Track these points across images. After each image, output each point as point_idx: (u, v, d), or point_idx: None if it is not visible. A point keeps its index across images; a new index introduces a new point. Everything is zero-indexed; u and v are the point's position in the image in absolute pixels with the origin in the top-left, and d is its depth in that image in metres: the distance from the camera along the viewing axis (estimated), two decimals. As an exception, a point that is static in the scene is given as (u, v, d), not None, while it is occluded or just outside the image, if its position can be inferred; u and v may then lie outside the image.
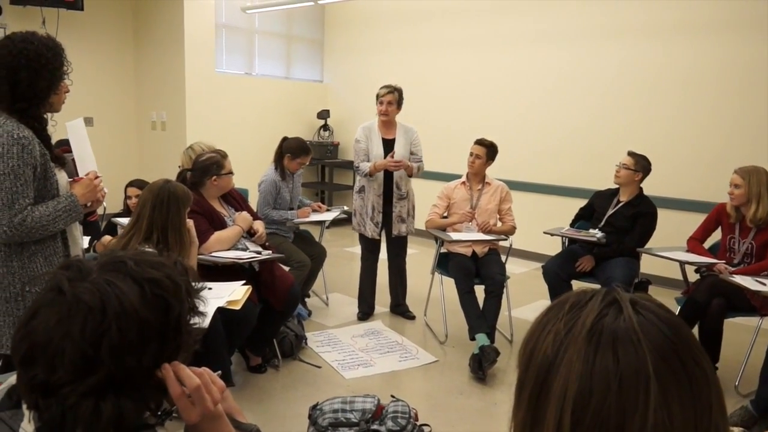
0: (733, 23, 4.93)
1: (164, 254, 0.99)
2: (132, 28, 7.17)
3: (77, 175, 2.20)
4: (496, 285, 3.80)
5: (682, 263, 3.67)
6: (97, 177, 2.15)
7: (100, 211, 4.52)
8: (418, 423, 2.77)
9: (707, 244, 3.79)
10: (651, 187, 4.07)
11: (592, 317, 0.63)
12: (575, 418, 0.60)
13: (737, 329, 3.66)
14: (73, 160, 2.28)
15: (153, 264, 0.89)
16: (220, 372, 1.01)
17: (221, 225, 3.23)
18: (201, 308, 0.97)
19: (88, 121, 6.78)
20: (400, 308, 4.45)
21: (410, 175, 4.23)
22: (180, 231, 2.62)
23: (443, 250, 4.16)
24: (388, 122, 4.19)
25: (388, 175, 4.19)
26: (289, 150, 4.23)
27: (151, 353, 0.86)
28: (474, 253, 4.04)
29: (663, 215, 4.01)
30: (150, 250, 2.48)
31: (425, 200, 4.51)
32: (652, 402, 0.58)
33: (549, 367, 0.64)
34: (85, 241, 2.98)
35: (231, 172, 3.32)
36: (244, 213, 3.38)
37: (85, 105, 6.51)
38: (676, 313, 3.38)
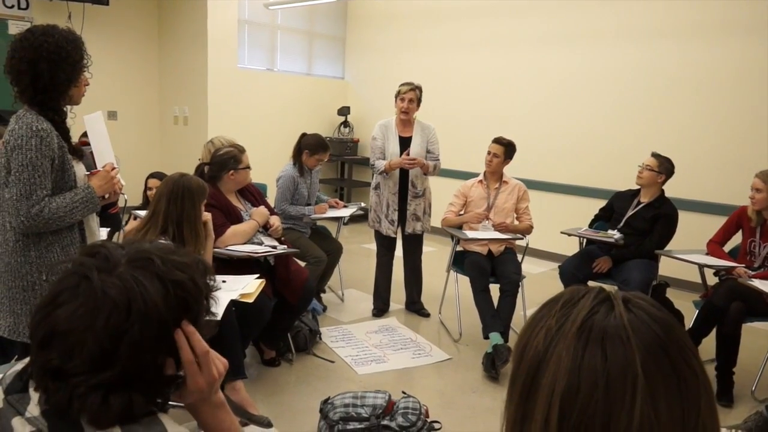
0: (751, 24, 4.83)
1: (182, 249, 1.01)
2: (156, 23, 7.26)
3: (95, 167, 2.24)
4: (512, 284, 3.79)
5: (701, 266, 3.62)
6: (113, 169, 2.18)
7: (121, 203, 4.60)
8: (429, 420, 2.78)
9: (727, 248, 3.73)
10: (671, 188, 4.02)
11: (583, 314, 0.63)
12: (562, 414, 0.61)
13: (756, 334, 3.61)
14: (92, 152, 2.32)
15: (179, 265, 0.90)
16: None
17: (237, 219, 3.26)
18: (213, 308, 0.99)
19: (112, 115, 6.91)
20: (414, 305, 4.46)
21: (426, 174, 4.22)
22: (195, 225, 2.65)
23: (459, 248, 4.15)
24: (406, 120, 4.19)
25: (404, 173, 4.19)
26: (307, 146, 4.25)
27: (165, 351, 0.88)
28: (490, 251, 4.02)
29: (682, 217, 3.96)
30: (166, 242, 2.52)
31: (442, 198, 4.50)
32: (638, 399, 0.58)
33: (539, 363, 0.64)
34: (104, 232, 3.04)
35: (248, 167, 3.36)
36: (261, 208, 3.41)
37: (109, 99, 6.64)
38: (694, 316, 3.35)
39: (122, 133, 6.73)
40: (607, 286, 0.68)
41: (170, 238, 2.58)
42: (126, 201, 4.65)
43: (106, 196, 2.21)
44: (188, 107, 7.07)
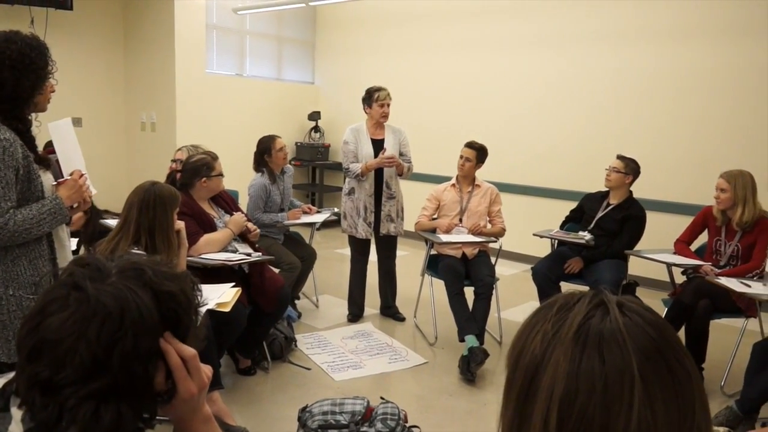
0: (723, 30, 4.98)
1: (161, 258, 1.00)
2: (122, 28, 7.13)
3: (62, 176, 2.17)
4: (486, 287, 3.82)
5: (669, 265, 3.71)
6: (82, 176, 2.12)
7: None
8: (408, 425, 2.77)
9: (694, 247, 3.83)
10: (640, 190, 4.11)
11: (579, 318, 0.64)
12: (561, 417, 0.61)
13: (723, 330, 3.70)
14: (57, 161, 2.24)
15: (169, 276, 0.89)
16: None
17: (211, 227, 3.22)
18: (200, 322, 0.97)
19: (77, 122, 6.74)
20: (389, 310, 4.46)
21: (400, 175, 4.24)
22: (168, 234, 2.61)
23: (433, 251, 4.17)
24: (378, 123, 4.21)
25: (379, 175, 4.19)
26: (263, 151, 4.28)
27: (155, 363, 0.86)
28: (464, 254, 4.05)
29: (651, 218, 4.05)
30: (140, 252, 2.47)
31: (414, 202, 4.52)
32: (636, 402, 0.59)
33: (536, 367, 0.65)
34: (73, 243, 2.96)
35: (221, 174, 3.32)
36: (237, 216, 3.36)
37: (73, 106, 6.47)
38: (663, 314, 3.43)
39: (88, 141, 6.49)
40: (580, 287, 0.69)
41: (142, 247, 2.53)
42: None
43: (75, 205, 2.14)
44: (156, 113, 6.95)
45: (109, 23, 7.00)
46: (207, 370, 0.96)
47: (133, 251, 2.45)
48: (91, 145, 6.64)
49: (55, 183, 2.11)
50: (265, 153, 4.26)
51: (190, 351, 0.91)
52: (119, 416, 0.81)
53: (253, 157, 4.37)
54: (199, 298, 0.95)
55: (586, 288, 3.92)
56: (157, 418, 0.95)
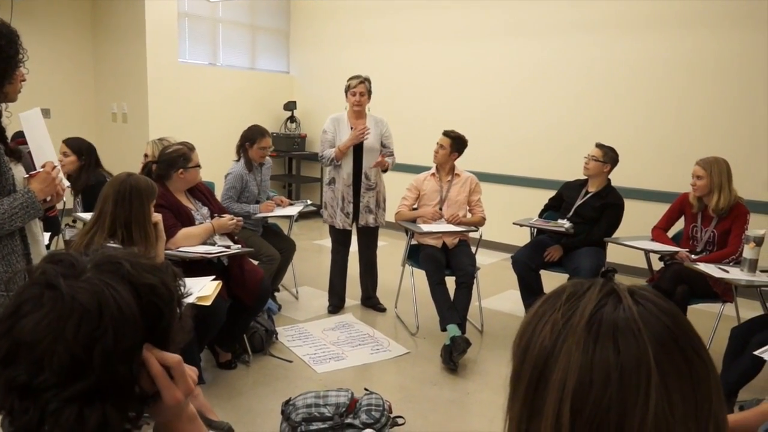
0: (700, 20, 5.03)
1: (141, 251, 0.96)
2: (90, 15, 6.93)
3: (35, 168, 2.09)
4: (467, 276, 3.82)
5: (646, 252, 3.75)
6: (54, 168, 2.04)
7: (59, 206, 4.37)
8: (392, 415, 2.77)
9: (671, 233, 3.87)
10: (617, 178, 4.14)
11: (590, 307, 0.62)
12: (574, 410, 0.59)
13: (700, 315, 3.76)
14: (29, 153, 2.16)
15: (148, 268, 0.85)
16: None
17: (188, 219, 3.15)
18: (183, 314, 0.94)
19: (45, 113, 6.53)
20: (370, 301, 4.44)
21: (385, 171, 4.22)
22: (145, 226, 2.54)
23: (414, 242, 4.16)
24: (359, 112, 4.17)
25: (357, 166, 4.16)
26: (246, 139, 4.20)
27: (139, 361, 0.82)
28: (444, 244, 4.04)
29: (629, 205, 4.09)
30: (116, 246, 2.40)
31: (395, 192, 4.49)
32: (653, 393, 0.57)
33: (547, 358, 0.62)
34: (46, 237, 2.87)
35: (198, 165, 3.25)
36: (224, 220, 3.28)
37: (41, 96, 6.28)
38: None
39: (57, 132, 6.32)
40: (561, 276, 0.67)
41: (119, 241, 2.46)
42: (65, 204, 4.43)
43: (48, 198, 2.07)
44: (127, 104, 6.80)
45: (77, 10, 6.81)
46: (192, 372, 0.93)
47: (109, 245, 2.38)
48: (60, 136, 6.42)
49: (27, 176, 2.03)
50: (248, 141, 4.19)
51: (174, 358, 0.87)
52: (105, 418, 0.77)
53: (231, 146, 4.29)
54: (181, 289, 0.91)
55: (565, 276, 3.95)
56: (144, 416, 0.92)
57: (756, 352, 2.25)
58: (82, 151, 4.08)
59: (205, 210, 3.32)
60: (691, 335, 0.62)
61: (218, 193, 4.29)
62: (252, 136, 4.19)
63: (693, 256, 3.53)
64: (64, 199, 3.98)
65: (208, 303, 2.42)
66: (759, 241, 3.15)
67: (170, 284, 0.87)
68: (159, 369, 0.85)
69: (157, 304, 0.83)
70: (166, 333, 0.86)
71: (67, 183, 2.11)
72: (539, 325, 0.65)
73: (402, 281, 4.27)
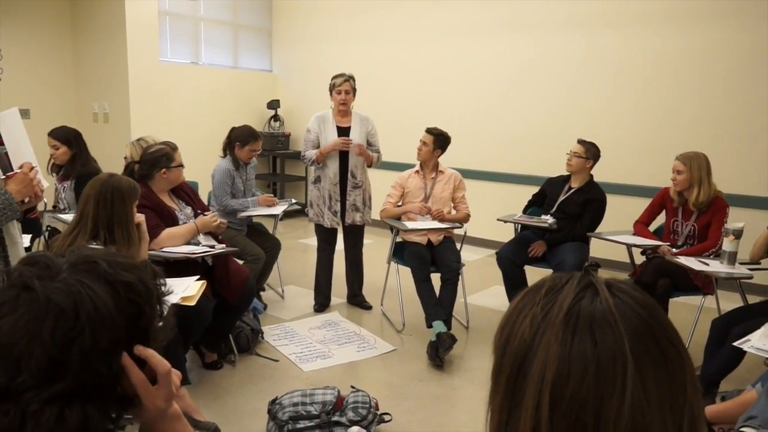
0: (681, 16, 5.08)
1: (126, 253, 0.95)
2: (70, 14, 6.85)
3: (12, 169, 2.06)
4: (452, 272, 3.83)
5: (628, 246, 3.80)
6: (32, 169, 2.02)
7: (40, 207, 4.32)
8: (379, 412, 2.78)
9: (652, 228, 3.92)
10: (599, 173, 4.18)
11: (569, 300, 0.63)
12: (553, 401, 0.60)
13: (682, 308, 3.82)
14: (6, 153, 2.13)
15: (126, 266, 0.85)
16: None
17: (172, 219, 3.13)
18: (166, 312, 0.94)
19: (24, 113, 6.46)
20: (356, 299, 4.44)
21: (369, 165, 4.22)
22: (127, 227, 2.52)
23: (399, 239, 4.17)
24: (344, 110, 4.16)
25: (344, 164, 4.15)
26: (237, 138, 4.19)
27: (119, 360, 0.82)
28: (429, 241, 4.06)
29: (611, 200, 4.13)
30: (99, 247, 2.38)
31: (381, 190, 4.50)
32: (629, 383, 0.59)
33: (526, 351, 0.63)
34: (26, 239, 2.84)
35: (181, 165, 3.23)
36: (207, 219, 3.26)
37: (19, 96, 6.19)
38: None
39: (37, 133, 6.27)
40: (545, 271, 0.69)
41: (101, 242, 2.44)
42: (45, 205, 4.38)
43: (27, 200, 2.04)
44: (108, 103, 6.73)
45: (56, 9, 6.72)
46: (176, 378, 0.93)
47: (92, 246, 2.36)
48: (40, 137, 6.38)
49: (4, 177, 2.00)
50: (239, 142, 4.16)
51: (164, 367, 0.87)
52: (86, 418, 0.77)
53: (214, 145, 4.27)
54: (161, 287, 0.91)
55: (549, 271, 3.99)
56: (127, 417, 0.92)
57: (735, 343, 2.29)
58: (70, 139, 4.12)
59: (188, 210, 3.30)
60: (666, 326, 0.63)
61: (203, 193, 4.27)
62: (244, 138, 4.17)
63: (674, 249, 3.58)
64: (45, 200, 3.96)
65: (192, 303, 2.41)
66: (738, 234, 3.20)
67: (149, 282, 0.87)
68: (140, 376, 0.85)
69: (136, 302, 0.83)
70: (146, 331, 0.86)
71: (45, 183, 2.08)
72: (519, 319, 0.66)
73: (388, 279, 4.28)
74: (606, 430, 0.58)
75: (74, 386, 0.76)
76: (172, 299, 2.31)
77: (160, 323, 0.92)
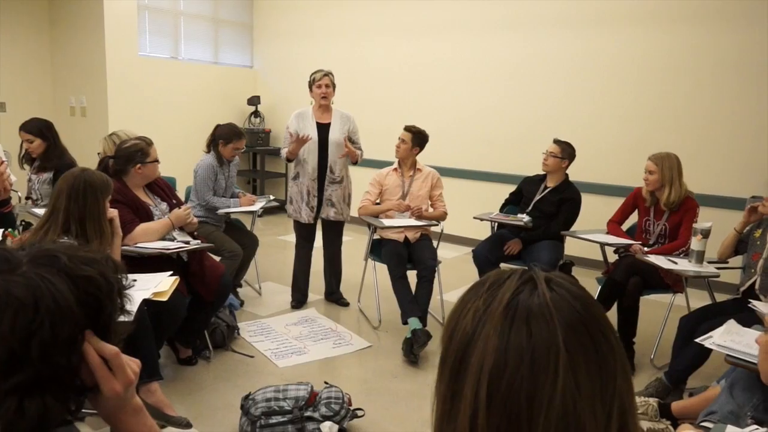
0: (653, 16, 5.17)
1: (89, 247, 0.96)
2: (47, 6, 6.76)
3: None
4: (428, 270, 3.86)
5: (602, 245, 3.85)
6: (2, 163, 2.01)
7: (15, 200, 4.27)
8: (352, 408, 2.80)
9: (625, 227, 3.99)
10: (574, 173, 4.24)
11: (508, 294, 0.66)
12: (490, 390, 0.63)
13: (653, 306, 3.89)
14: None
15: (86, 260, 0.85)
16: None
17: (146, 215, 3.12)
18: (127, 306, 0.94)
19: (0, 107, 6.37)
20: (334, 295, 4.46)
21: (355, 162, 4.23)
22: (100, 222, 2.51)
23: (376, 236, 4.19)
24: (325, 106, 4.17)
25: (323, 159, 4.16)
26: (221, 136, 4.17)
27: (79, 352, 0.83)
28: (406, 239, 4.08)
29: (586, 200, 4.19)
30: (70, 241, 2.37)
31: (360, 187, 4.51)
32: (561, 372, 0.61)
33: (468, 343, 0.66)
34: (-2, 233, 2.80)
35: (156, 160, 3.21)
36: (181, 212, 3.24)
37: (-5, 89, 6.12)
38: (597, 291, 3.57)
39: (12, 126, 6.21)
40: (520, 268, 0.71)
41: (73, 236, 2.42)
42: (20, 198, 4.33)
43: None
44: (86, 97, 6.65)
45: (33, 1, 6.62)
46: (134, 364, 0.94)
47: (62, 241, 2.35)
48: (16, 130, 6.30)
49: None
50: (222, 139, 4.15)
51: (111, 349, 0.88)
52: (45, 409, 0.78)
53: (193, 141, 4.25)
54: (123, 281, 0.92)
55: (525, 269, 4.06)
56: (87, 411, 0.92)
57: (697, 340, 2.34)
58: (43, 131, 4.08)
59: (164, 205, 3.28)
60: (600, 320, 0.66)
61: (181, 189, 4.26)
62: (228, 137, 4.16)
63: (645, 248, 3.64)
64: (20, 194, 3.91)
65: (164, 298, 2.40)
66: (706, 234, 3.27)
67: (110, 276, 0.88)
68: (97, 360, 0.86)
69: (96, 296, 0.84)
70: (108, 324, 0.87)
71: (14, 178, 2.07)
72: (463, 312, 0.69)
73: (365, 275, 4.30)
74: (539, 417, 0.61)
75: (34, 378, 0.77)
76: (144, 294, 2.31)
77: (121, 317, 0.93)
